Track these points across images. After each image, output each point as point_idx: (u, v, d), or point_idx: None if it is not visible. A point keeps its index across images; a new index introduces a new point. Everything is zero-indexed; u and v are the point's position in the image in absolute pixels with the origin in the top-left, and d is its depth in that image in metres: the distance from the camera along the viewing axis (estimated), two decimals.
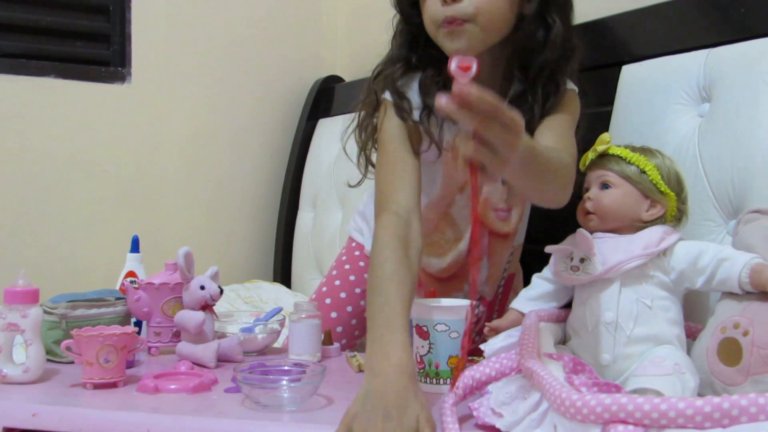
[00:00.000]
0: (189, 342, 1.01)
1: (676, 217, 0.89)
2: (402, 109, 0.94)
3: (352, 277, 1.20)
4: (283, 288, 1.74)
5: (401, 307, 0.77)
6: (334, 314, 1.18)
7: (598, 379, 0.70)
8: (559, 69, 0.93)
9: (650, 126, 1.05)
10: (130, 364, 0.96)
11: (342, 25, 2.00)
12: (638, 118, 1.08)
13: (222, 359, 1.00)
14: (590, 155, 0.91)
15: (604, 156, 0.90)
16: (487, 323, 0.93)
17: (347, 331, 1.19)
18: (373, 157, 0.99)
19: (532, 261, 0.97)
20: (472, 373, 0.76)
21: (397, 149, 0.93)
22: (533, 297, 0.92)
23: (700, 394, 0.74)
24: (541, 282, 0.93)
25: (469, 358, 0.89)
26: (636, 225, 0.87)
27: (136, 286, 1.06)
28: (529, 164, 0.71)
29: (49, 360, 0.94)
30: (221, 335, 1.06)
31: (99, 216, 1.71)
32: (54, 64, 1.65)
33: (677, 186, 0.89)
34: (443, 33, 0.89)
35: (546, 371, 0.68)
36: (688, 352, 0.80)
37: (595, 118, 1.16)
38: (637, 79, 1.11)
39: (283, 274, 1.90)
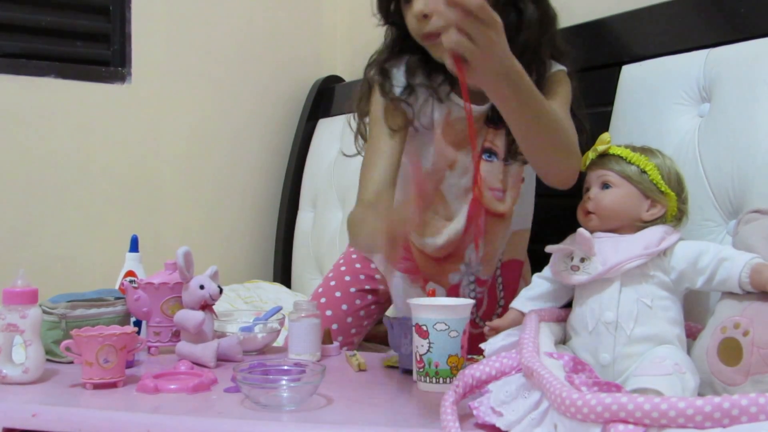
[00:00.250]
0: (188, 342, 1.01)
1: (677, 217, 0.89)
2: (384, 86, 1.00)
3: (347, 278, 1.22)
4: (283, 288, 1.74)
5: None
6: (329, 312, 1.19)
7: (598, 379, 0.70)
8: (539, 48, 0.97)
9: (650, 126, 1.05)
10: (130, 364, 0.96)
11: (342, 25, 2.00)
12: (638, 118, 1.08)
13: (222, 359, 1.00)
14: (590, 155, 0.91)
15: (604, 156, 0.90)
16: (487, 323, 0.93)
17: (343, 328, 1.19)
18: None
19: (533, 260, 0.97)
20: (472, 372, 0.76)
21: (378, 134, 1.00)
22: (533, 296, 0.92)
23: (701, 394, 0.74)
24: (541, 282, 0.93)
25: (469, 357, 0.90)
26: (636, 225, 0.87)
27: (136, 285, 1.06)
28: (534, 111, 0.79)
29: (48, 360, 0.94)
30: (221, 335, 1.06)
31: (98, 216, 1.71)
32: (54, 64, 1.66)
33: (678, 186, 0.89)
34: (426, 43, 0.97)
35: (546, 370, 0.68)
36: (689, 351, 0.80)
37: (595, 118, 1.16)
38: (637, 79, 1.11)
39: (283, 274, 1.90)
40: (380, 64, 1.02)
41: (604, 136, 0.91)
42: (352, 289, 1.21)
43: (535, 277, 0.94)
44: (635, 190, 0.87)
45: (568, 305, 0.90)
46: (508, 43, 0.73)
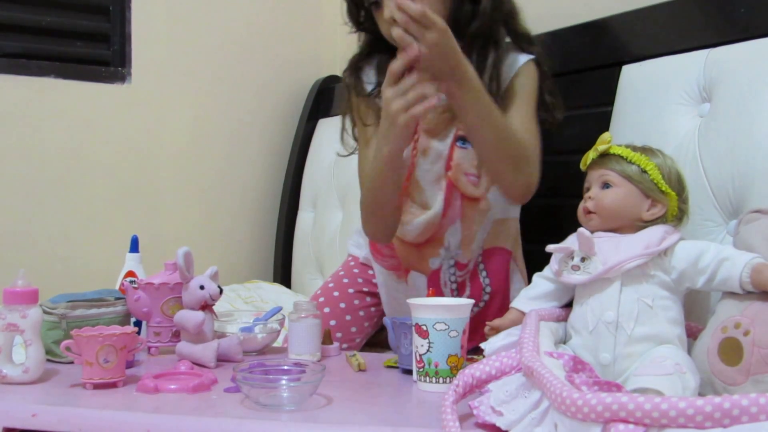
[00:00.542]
0: (189, 342, 1.01)
1: (677, 216, 0.89)
2: (356, 87, 1.09)
3: (345, 280, 1.25)
4: (284, 288, 1.74)
5: None
6: (327, 309, 1.20)
7: (598, 378, 0.70)
8: (494, 34, 1.04)
9: (650, 126, 1.05)
10: (130, 364, 0.96)
11: (342, 25, 2.00)
12: (638, 118, 1.08)
13: (222, 359, 1.00)
14: (591, 155, 0.91)
15: (605, 155, 0.90)
16: (488, 322, 0.93)
17: (341, 324, 1.19)
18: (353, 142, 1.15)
19: (534, 260, 0.97)
20: (472, 372, 0.76)
21: (363, 130, 1.10)
22: (534, 296, 0.92)
23: (701, 394, 0.74)
24: (541, 281, 0.93)
25: (469, 356, 0.90)
26: (637, 224, 0.87)
27: (136, 286, 1.06)
28: (482, 114, 0.91)
29: (48, 360, 0.94)
30: (221, 335, 1.06)
31: (99, 216, 1.70)
32: (54, 64, 1.65)
33: (678, 185, 0.89)
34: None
35: (547, 370, 0.68)
36: (689, 351, 0.80)
37: (596, 118, 1.16)
38: (637, 79, 1.11)
39: (283, 274, 1.90)
40: (352, 67, 1.11)
41: (605, 135, 0.91)
42: (350, 290, 1.22)
43: (536, 276, 0.94)
44: (636, 190, 0.87)
45: (569, 305, 0.90)
46: (455, 43, 0.85)
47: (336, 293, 1.23)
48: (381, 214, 1.06)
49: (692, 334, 0.84)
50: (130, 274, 1.19)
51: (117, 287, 1.17)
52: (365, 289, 1.24)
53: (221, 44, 1.87)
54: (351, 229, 1.40)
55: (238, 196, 1.91)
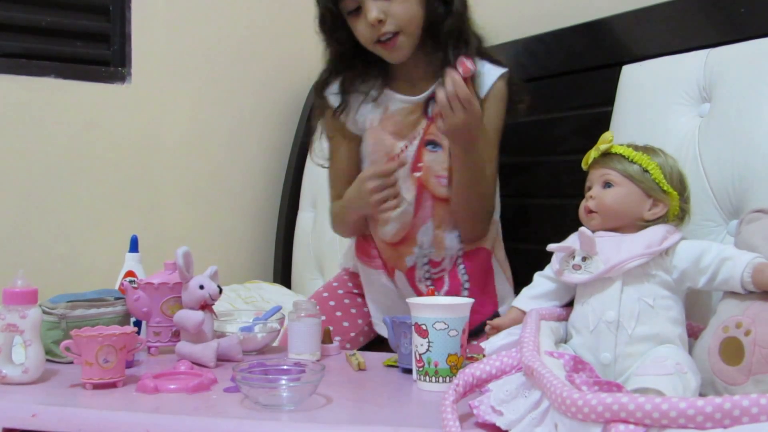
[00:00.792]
0: (188, 341, 1.00)
1: (679, 216, 0.89)
2: (322, 107, 1.19)
3: (335, 284, 1.30)
4: (284, 289, 1.74)
5: None
6: (323, 317, 1.20)
7: (599, 378, 0.70)
8: (464, 33, 1.11)
9: (650, 126, 1.05)
10: (130, 364, 0.96)
11: None
12: (638, 118, 1.08)
13: (221, 358, 1.00)
14: (593, 154, 0.91)
15: (606, 155, 0.90)
16: (488, 321, 0.93)
17: (338, 328, 1.21)
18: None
19: (534, 260, 0.97)
20: (472, 371, 0.76)
21: (330, 145, 1.21)
22: (535, 295, 0.92)
23: (702, 394, 0.74)
24: (542, 280, 0.93)
25: (469, 355, 0.90)
26: (638, 224, 0.87)
27: (136, 285, 1.06)
28: (475, 188, 1.09)
29: (48, 360, 0.94)
30: (220, 334, 1.06)
31: (98, 216, 1.70)
32: (54, 64, 1.65)
33: (680, 185, 0.89)
34: (380, 49, 1.10)
35: (547, 369, 0.67)
36: (690, 351, 0.80)
37: (595, 118, 1.16)
38: (637, 79, 1.11)
39: (283, 274, 1.90)
40: (317, 88, 1.19)
41: (607, 134, 0.91)
42: (340, 291, 1.27)
43: (537, 276, 0.94)
44: (637, 189, 0.87)
45: (570, 304, 0.90)
46: (480, 123, 1.04)
47: (326, 294, 1.27)
48: (347, 229, 1.24)
49: (693, 333, 0.84)
50: (130, 273, 1.18)
51: (117, 287, 1.17)
52: (356, 291, 1.28)
53: (221, 44, 1.87)
54: None
55: (238, 196, 1.91)
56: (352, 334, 1.23)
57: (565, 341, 0.87)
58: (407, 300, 0.91)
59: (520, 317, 0.90)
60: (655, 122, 1.05)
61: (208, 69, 1.85)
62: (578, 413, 0.60)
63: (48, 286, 1.07)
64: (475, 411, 0.72)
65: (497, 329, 0.90)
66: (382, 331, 1.21)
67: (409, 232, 1.15)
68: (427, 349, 0.86)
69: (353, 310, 1.25)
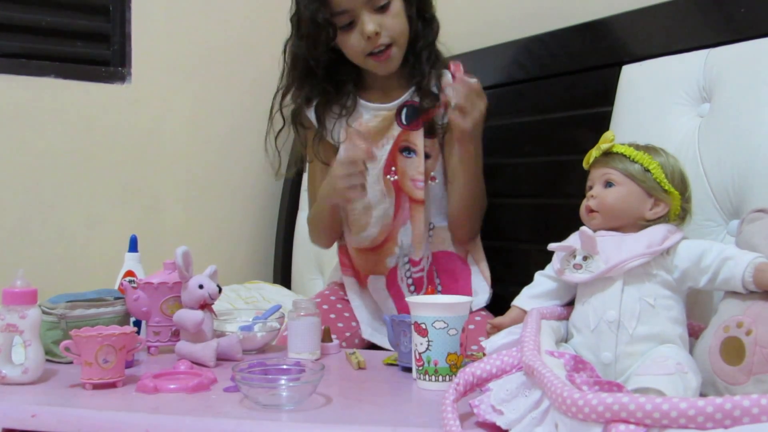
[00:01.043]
0: (188, 341, 1.00)
1: (680, 215, 0.89)
2: (299, 132, 1.24)
3: (327, 292, 1.34)
4: (284, 290, 1.74)
5: None
6: None
7: (599, 378, 0.70)
8: (435, 49, 1.20)
9: (650, 126, 1.05)
10: (130, 364, 0.96)
11: None
12: (638, 118, 1.08)
13: (221, 358, 1.00)
14: (594, 153, 0.91)
15: (608, 154, 0.90)
16: (489, 320, 0.93)
17: (326, 321, 1.21)
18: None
19: (535, 260, 0.97)
20: (473, 370, 0.76)
21: (312, 168, 1.28)
22: (536, 294, 0.92)
23: (702, 394, 0.74)
24: (543, 280, 0.93)
25: (469, 353, 0.90)
26: (639, 223, 0.87)
27: (135, 285, 1.06)
28: (475, 181, 1.16)
29: (48, 360, 0.94)
30: (220, 334, 1.06)
31: (98, 216, 1.70)
32: (54, 64, 1.65)
33: (681, 185, 0.89)
34: (372, 62, 1.16)
35: (547, 369, 0.67)
36: (691, 350, 0.80)
37: (595, 118, 1.16)
38: (637, 80, 1.11)
39: (283, 274, 1.90)
40: (294, 117, 1.23)
41: (608, 134, 0.91)
42: (333, 297, 1.30)
43: (538, 275, 0.94)
44: (638, 189, 0.87)
45: (570, 303, 0.90)
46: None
47: (318, 299, 1.30)
48: (323, 233, 1.30)
49: (694, 333, 0.84)
50: (130, 273, 1.18)
51: (116, 287, 1.17)
52: (347, 298, 1.30)
53: (221, 44, 1.87)
54: None
55: (237, 196, 1.91)
56: (348, 334, 1.24)
57: (566, 340, 0.87)
58: (407, 299, 0.91)
59: (521, 316, 0.89)
60: (655, 122, 1.05)
61: (207, 69, 1.85)
62: (579, 413, 0.60)
63: (47, 286, 1.07)
64: (475, 410, 0.72)
65: (498, 328, 0.90)
66: (370, 337, 1.25)
67: (390, 233, 1.20)
68: (427, 348, 0.86)
69: (346, 314, 1.27)
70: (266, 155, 1.26)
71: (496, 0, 1.53)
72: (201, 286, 1.01)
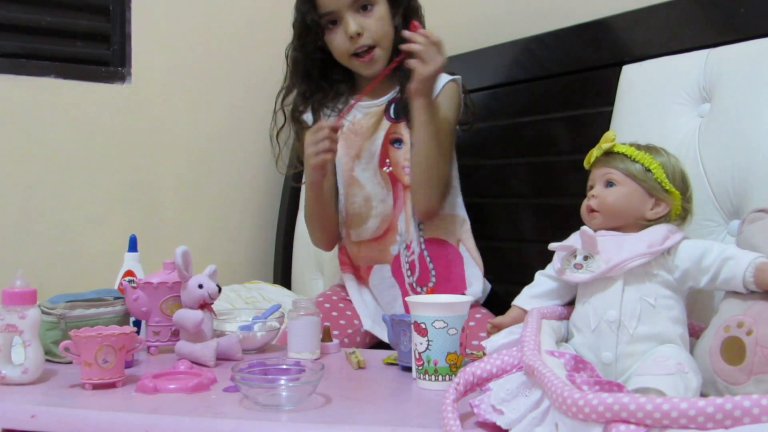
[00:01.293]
0: (188, 341, 1.00)
1: (681, 215, 0.89)
2: (297, 130, 1.29)
3: (328, 292, 1.35)
4: (285, 290, 1.74)
5: None
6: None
7: (599, 378, 0.69)
8: None
9: (651, 126, 1.05)
10: (129, 364, 0.96)
11: None
12: (639, 118, 1.08)
13: (221, 357, 1.00)
14: (595, 153, 0.91)
15: (609, 154, 0.90)
16: (489, 320, 0.94)
17: (336, 326, 1.24)
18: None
19: (536, 260, 0.97)
20: (473, 370, 0.76)
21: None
22: (536, 294, 0.92)
23: (703, 394, 0.74)
24: (544, 279, 0.93)
25: (468, 352, 0.90)
26: (640, 223, 0.87)
27: (135, 285, 1.06)
28: (435, 140, 1.15)
29: (48, 360, 0.94)
30: (220, 333, 1.06)
31: (98, 216, 1.70)
32: (54, 64, 1.65)
33: (682, 184, 0.88)
34: (357, 63, 1.21)
35: (548, 369, 0.67)
36: (691, 350, 0.80)
37: (596, 118, 1.16)
38: (637, 80, 1.11)
39: (283, 274, 1.89)
40: (293, 114, 1.29)
41: (609, 133, 0.91)
42: (335, 297, 1.32)
43: (538, 274, 0.94)
44: (639, 189, 0.87)
45: (571, 303, 0.90)
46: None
47: (320, 299, 1.31)
48: (317, 229, 1.31)
49: (695, 333, 0.84)
50: (129, 273, 1.18)
51: (116, 287, 1.17)
52: (349, 299, 1.32)
53: (221, 44, 1.86)
54: None
55: (238, 196, 1.91)
56: (350, 331, 1.25)
57: (566, 340, 0.87)
58: (406, 298, 0.91)
59: (521, 316, 0.89)
60: (655, 122, 1.05)
61: (208, 69, 1.85)
62: (579, 413, 0.60)
63: (47, 286, 1.07)
64: (475, 410, 0.71)
65: (498, 328, 0.89)
66: (371, 329, 1.26)
67: (391, 222, 1.25)
68: (427, 348, 0.86)
69: (348, 312, 1.29)
70: (272, 149, 1.32)
71: (496, 0, 1.53)
72: (200, 286, 1.01)
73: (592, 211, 0.89)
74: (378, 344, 1.28)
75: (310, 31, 1.21)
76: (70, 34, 1.70)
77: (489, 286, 1.29)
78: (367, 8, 1.19)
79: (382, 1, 1.21)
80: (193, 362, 0.97)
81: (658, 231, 0.84)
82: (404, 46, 1.11)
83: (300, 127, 1.29)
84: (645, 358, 0.78)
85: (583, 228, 0.85)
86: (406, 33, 1.10)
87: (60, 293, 1.05)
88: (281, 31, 1.31)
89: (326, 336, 1.09)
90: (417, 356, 0.88)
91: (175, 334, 1.05)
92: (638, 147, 0.89)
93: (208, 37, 1.85)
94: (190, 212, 1.83)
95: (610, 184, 0.88)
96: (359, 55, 1.20)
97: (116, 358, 0.87)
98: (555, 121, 1.27)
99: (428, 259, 1.25)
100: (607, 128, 1.12)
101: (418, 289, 1.25)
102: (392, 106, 1.25)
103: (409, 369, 0.93)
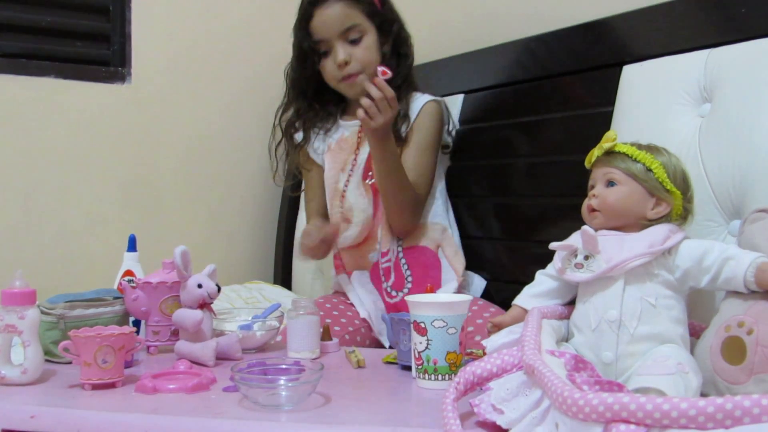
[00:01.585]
0: (187, 340, 1.00)
1: (682, 215, 0.88)
2: (292, 145, 1.38)
3: (329, 295, 1.40)
4: (285, 291, 1.74)
5: None
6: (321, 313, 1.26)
7: (600, 378, 0.69)
8: (412, 79, 1.34)
9: (651, 126, 1.04)
10: (129, 364, 0.95)
11: None
12: (639, 118, 1.08)
13: (221, 357, 1.00)
14: (596, 152, 0.90)
15: (610, 153, 0.89)
16: (489, 320, 0.93)
17: (337, 323, 1.25)
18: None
19: (537, 260, 0.97)
20: (473, 369, 0.76)
21: (306, 176, 1.41)
22: (536, 294, 0.92)
23: (703, 393, 0.73)
24: (544, 279, 0.93)
25: (468, 351, 0.90)
26: (641, 223, 0.86)
27: (134, 285, 1.06)
28: (388, 169, 1.21)
29: (47, 361, 0.94)
30: (219, 333, 1.06)
31: (98, 216, 1.70)
32: (54, 64, 1.65)
33: (683, 184, 0.88)
34: (343, 86, 1.30)
35: (548, 368, 0.67)
36: (692, 350, 0.80)
37: (596, 119, 1.16)
38: (638, 80, 1.11)
39: (283, 274, 1.89)
40: (288, 129, 1.38)
41: (610, 133, 0.90)
42: (335, 300, 1.35)
43: (539, 274, 0.94)
44: (640, 188, 0.87)
45: (571, 303, 0.90)
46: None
47: (321, 299, 1.34)
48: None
49: (695, 332, 0.84)
50: (129, 273, 1.18)
51: (115, 286, 1.17)
52: (349, 301, 1.34)
53: (221, 44, 1.87)
54: None
55: (238, 196, 1.91)
56: (351, 329, 1.26)
57: (567, 340, 0.87)
58: (406, 298, 0.91)
59: (522, 315, 0.89)
60: (656, 122, 1.05)
61: (208, 69, 1.85)
62: (579, 413, 0.60)
63: (46, 286, 1.06)
64: (475, 409, 0.71)
65: (498, 327, 0.89)
66: (368, 318, 1.28)
67: (370, 231, 1.31)
68: (426, 347, 0.86)
69: (349, 313, 1.30)
70: (270, 162, 1.39)
71: (496, 0, 1.53)
72: (200, 286, 1.01)
73: (593, 210, 0.88)
74: (378, 346, 1.28)
75: (307, 55, 1.30)
76: (70, 34, 1.70)
77: (484, 283, 1.32)
78: (356, 40, 1.27)
79: (372, 31, 1.28)
80: (192, 362, 0.97)
81: (658, 231, 0.84)
82: (362, 100, 1.15)
83: (292, 144, 1.38)
84: (645, 358, 0.78)
85: (584, 227, 0.85)
86: (366, 83, 1.16)
87: (59, 293, 1.05)
88: (280, 32, 1.31)
89: (326, 334, 1.09)
90: (416, 355, 0.88)
91: (175, 334, 1.05)
92: (639, 147, 0.89)
93: (208, 37, 1.85)
94: (190, 212, 1.83)
95: (611, 183, 0.88)
96: (345, 77, 1.28)
97: (116, 358, 0.87)
98: (555, 121, 1.27)
99: (405, 267, 1.30)
100: (607, 128, 1.12)
101: (393, 293, 1.29)
102: None
103: (408, 368, 0.93)
